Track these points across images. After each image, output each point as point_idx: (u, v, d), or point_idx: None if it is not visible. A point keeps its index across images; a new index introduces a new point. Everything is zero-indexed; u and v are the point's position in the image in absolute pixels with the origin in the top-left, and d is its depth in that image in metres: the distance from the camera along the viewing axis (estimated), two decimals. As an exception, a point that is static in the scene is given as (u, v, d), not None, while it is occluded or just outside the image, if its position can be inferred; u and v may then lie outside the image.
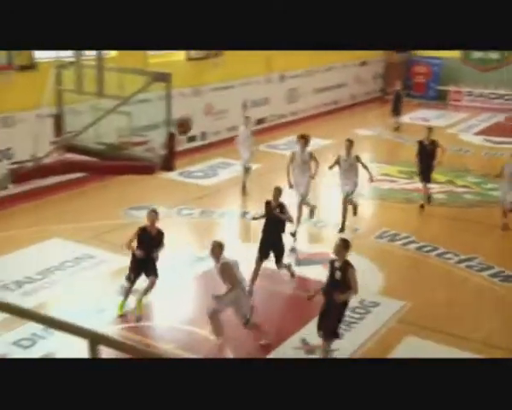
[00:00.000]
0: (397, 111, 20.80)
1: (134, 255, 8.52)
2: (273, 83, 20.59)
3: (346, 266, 7.13)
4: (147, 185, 13.11)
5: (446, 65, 25.91)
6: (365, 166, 11.92)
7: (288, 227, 9.90)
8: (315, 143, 18.88)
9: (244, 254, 10.27)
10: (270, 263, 10.29)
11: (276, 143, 18.86)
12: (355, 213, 11.98)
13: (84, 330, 2.88)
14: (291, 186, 11.43)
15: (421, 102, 26.09)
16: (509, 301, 9.40)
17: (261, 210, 9.48)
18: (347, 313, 8.42)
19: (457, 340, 8.11)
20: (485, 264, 10.46)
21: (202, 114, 17.81)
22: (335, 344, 7.53)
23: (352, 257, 10.58)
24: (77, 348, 3.12)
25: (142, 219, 12.18)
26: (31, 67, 13.04)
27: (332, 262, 7.24)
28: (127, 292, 8.62)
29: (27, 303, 8.35)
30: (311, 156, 11.66)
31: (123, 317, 8.47)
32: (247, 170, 13.87)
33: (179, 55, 16.88)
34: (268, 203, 9.37)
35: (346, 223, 12.24)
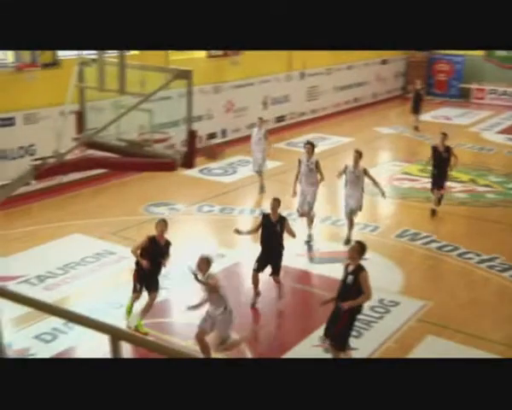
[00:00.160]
0: (416, 110, 20.44)
1: (138, 264, 8.12)
2: (293, 80, 20.54)
3: (359, 271, 6.83)
4: (167, 182, 13.18)
5: (469, 62, 25.61)
6: (374, 181, 11.05)
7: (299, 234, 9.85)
8: (336, 141, 18.91)
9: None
10: (287, 260, 10.29)
11: (296, 141, 18.80)
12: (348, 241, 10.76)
13: (105, 326, 2.90)
14: (294, 194, 10.99)
15: (443, 101, 25.84)
16: (532, 302, 9.28)
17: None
18: (367, 312, 8.41)
19: (478, 340, 8.02)
20: (506, 264, 10.34)
21: (222, 112, 17.84)
22: (355, 343, 7.50)
23: (372, 256, 10.60)
24: (97, 344, 3.15)
25: (162, 215, 12.29)
26: (54, 64, 13.19)
27: (346, 266, 6.97)
28: (133, 303, 8.20)
29: (49, 298, 8.45)
30: (317, 165, 11.10)
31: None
32: (259, 173, 13.59)
33: (200, 53, 16.92)
34: (266, 216, 8.84)
35: (365, 222, 12.18)
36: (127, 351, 2.96)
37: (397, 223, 12.27)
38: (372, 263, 10.38)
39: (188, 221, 12.19)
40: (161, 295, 9.07)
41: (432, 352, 7.56)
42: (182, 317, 8.78)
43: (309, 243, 10.89)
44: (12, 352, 7.01)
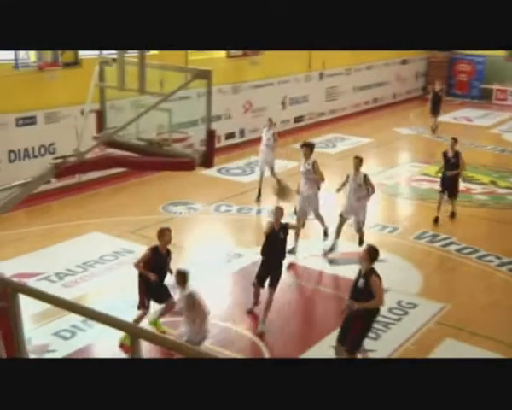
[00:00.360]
0: (435, 111, 20.02)
1: (142, 278, 7.71)
2: (312, 81, 20.50)
3: (370, 274, 6.64)
4: (186, 182, 13.23)
5: (490, 63, 25.31)
6: (373, 189, 10.54)
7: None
8: (356, 141, 18.83)
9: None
10: (304, 261, 10.28)
11: (315, 141, 18.72)
12: (361, 243, 10.42)
13: (124, 324, 2.92)
14: (298, 192, 10.50)
15: (464, 102, 25.60)
16: (553, 306, 9.14)
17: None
18: (385, 313, 8.37)
19: (497, 344, 7.93)
20: (527, 267, 10.21)
21: (241, 112, 17.86)
22: (372, 345, 7.46)
23: (390, 257, 10.56)
24: (116, 342, 3.17)
25: (180, 214, 12.35)
26: (75, 63, 13.31)
27: (360, 270, 6.82)
28: (140, 321, 7.67)
29: (68, 295, 8.52)
30: (314, 166, 10.54)
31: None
32: (272, 172, 13.28)
33: (219, 53, 16.96)
34: (270, 225, 8.38)
35: (384, 223, 12.12)
36: (145, 349, 2.97)
37: (415, 224, 12.18)
38: (390, 264, 10.35)
39: (205, 221, 12.22)
40: (178, 294, 9.11)
41: (450, 355, 7.47)
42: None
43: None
44: (31, 348, 7.09)
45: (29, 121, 12.70)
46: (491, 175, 15.38)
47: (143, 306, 7.75)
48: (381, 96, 24.41)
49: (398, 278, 9.85)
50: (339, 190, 10.61)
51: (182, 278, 7.01)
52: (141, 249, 10.42)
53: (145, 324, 7.76)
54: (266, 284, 8.34)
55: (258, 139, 17.51)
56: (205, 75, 5.68)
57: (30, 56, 12.98)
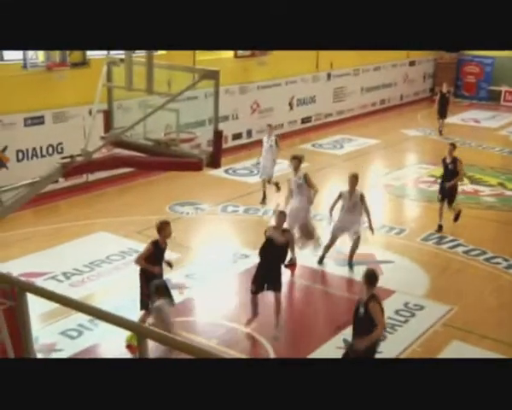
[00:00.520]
0: (442, 113, 19.81)
1: (144, 275, 7.65)
2: (320, 81, 20.48)
3: (369, 301, 6.24)
4: (193, 182, 13.24)
5: (499, 64, 25.22)
6: (367, 211, 9.82)
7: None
8: (363, 143, 18.80)
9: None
10: (309, 261, 10.27)
11: (322, 142, 18.77)
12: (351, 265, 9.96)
13: (130, 323, 2.92)
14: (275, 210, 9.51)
15: (471, 103, 25.51)
16: (561, 309, 9.09)
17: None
18: (392, 315, 8.35)
19: (505, 346, 7.89)
20: (535, 270, 10.16)
21: (248, 112, 17.87)
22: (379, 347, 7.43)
23: (397, 259, 10.54)
24: (122, 341, 3.17)
25: (187, 215, 12.37)
26: (83, 63, 13.36)
27: (359, 298, 6.46)
28: (145, 319, 7.51)
29: (75, 294, 8.54)
30: (306, 179, 10.11)
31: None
32: (265, 182, 13.00)
33: (227, 53, 16.97)
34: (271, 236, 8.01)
35: (390, 225, 12.08)
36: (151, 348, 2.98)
37: (423, 226, 12.13)
38: (397, 266, 10.34)
39: (212, 221, 12.23)
40: (184, 294, 9.14)
41: (457, 357, 7.45)
42: (205, 316, 8.82)
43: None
44: (38, 346, 7.11)
45: (37, 121, 12.75)
46: (499, 177, 15.31)
47: (146, 306, 7.69)
48: (388, 98, 24.36)
49: (405, 279, 9.83)
50: (331, 210, 9.92)
51: (158, 290, 6.86)
52: (147, 249, 10.49)
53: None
54: (265, 290, 8.06)
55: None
56: (212, 75, 5.68)
57: (38, 56, 13.04)
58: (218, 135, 5.91)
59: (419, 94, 26.28)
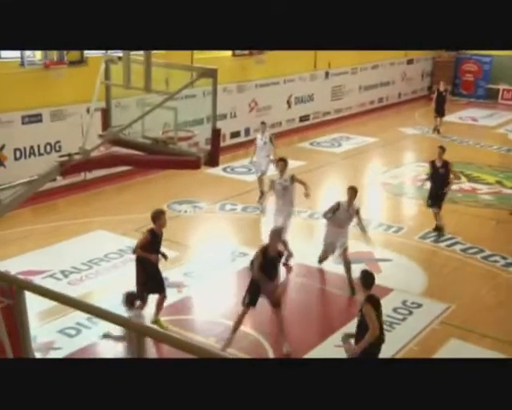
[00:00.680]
0: (438, 112, 19.72)
1: (141, 265, 7.79)
2: (318, 80, 20.48)
3: (364, 304, 6.19)
4: (191, 180, 13.24)
5: (497, 62, 25.25)
6: (362, 226, 9.56)
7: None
8: (361, 141, 18.81)
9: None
10: (309, 259, 10.27)
11: (320, 141, 18.78)
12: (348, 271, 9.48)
13: (129, 321, 2.92)
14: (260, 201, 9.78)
15: (469, 101, 25.54)
16: (558, 307, 9.11)
17: None
18: (390, 313, 8.36)
19: (503, 345, 7.91)
20: (533, 268, 10.18)
21: (246, 110, 17.86)
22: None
23: (395, 257, 10.55)
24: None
25: (185, 213, 12.37)
26: (80, 62, 13.35)
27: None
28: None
29: (73, 293, 8.54)
30: (293, 179, 10.11)
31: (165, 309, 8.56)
32: (261, 179, 12.90)
33: (225, 52, 16.96)
34: (266, 249, 7.63)
35: (388, 223, 12.10)
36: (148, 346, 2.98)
37: (421, 224, 12.15)
38: (395, 264, 10.35)
39: (210, 219, 12.24)
40: (183, 292, 9.14)
41: (455, 355, 7.47)
42: (203, 314, 8.83)
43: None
44: (36, 345, 7.11)
45: (35, 119, 12.74)
46: (497, 175, 15.34)
47: (142, 298, 7.75)
48: (386, 96, 24.39)
49: (402, 277, 9.85)
50: (326, 216, 9.58)
51: (129, 298, 6.80)
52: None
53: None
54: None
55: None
56: (210, 74, 5.68)
57: (36, 54, 13.02)
58: (216, 133, 5.91)
59: (417, 92, 26.30)
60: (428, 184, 11.79)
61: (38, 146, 12.81)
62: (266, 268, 7.53)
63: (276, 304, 7.69)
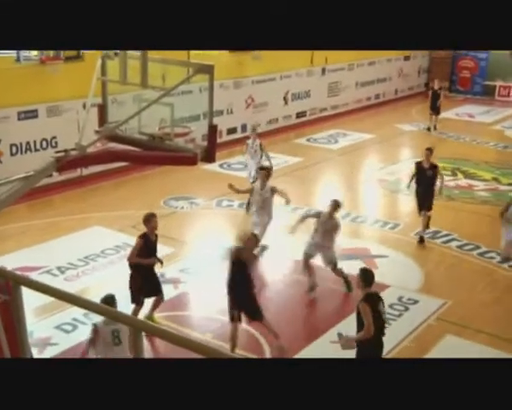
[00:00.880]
0: (433, 110, 19.58)
1: (136, 272, 7.72)
2: (315, 76, 20.47)
3: (360, 301, 6.16)
4: (187, 176, 13.23)
5: (494, 59, 25.27)
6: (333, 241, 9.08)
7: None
8: (357, 137, 18.82)
9: (284, 248, 10.32)
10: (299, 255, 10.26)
11: (317, 137, 18.78)
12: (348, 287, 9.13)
13: (125, 317, 2.93)
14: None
15: (466, 98, 25.57)
16: (554, 303, 9.15)
17: None
18: (386, 309, 8.35)
19: (498, 341, 7.94)
20: (529, 264, 10.21)
21: (243, 107, 17.85)
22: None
23: (391, 254, 10.57)
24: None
25: (182, 209, 12.36)
26: (77, 57, 13.31)
27: None
28: (137, 314, 7.66)
29: (69, 288, 8.53)
30: (273, 192, 9.77)
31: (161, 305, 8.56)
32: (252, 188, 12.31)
33: (221, 47, 16.93)
34: (237, 258, 7.27)
35: (385, 219, 12.11)
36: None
37: (417, 221, 12.15)
38: (392, 261, 10.37)
39: (207, 215, 12.24)
40: (179, 288, 9.15)
41: (450, 351, 7.50)
42: (200, 310, 8.83)
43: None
44: (33, 341, 7.11)
45: (31, 115, 12.71)
46: (494, 172, 15.36)
47: (137, 302, 7.80)
48: (383, 92, 24.39)
49: (399, 274, 9.87)
50: (301, 221, 9.22)
51: (108, 300, 6.62)
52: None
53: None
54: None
55: (261, 135, 17.54)
56: (207, 70, 5.68)
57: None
58: (213, 129, 5.91)
59: (414, 89, 26.32)
60: (413, 186, 11.35)
61: (34, 142, 12.78)
62: (237, 274, 7.19)
63: (253, 318, 7.33)
